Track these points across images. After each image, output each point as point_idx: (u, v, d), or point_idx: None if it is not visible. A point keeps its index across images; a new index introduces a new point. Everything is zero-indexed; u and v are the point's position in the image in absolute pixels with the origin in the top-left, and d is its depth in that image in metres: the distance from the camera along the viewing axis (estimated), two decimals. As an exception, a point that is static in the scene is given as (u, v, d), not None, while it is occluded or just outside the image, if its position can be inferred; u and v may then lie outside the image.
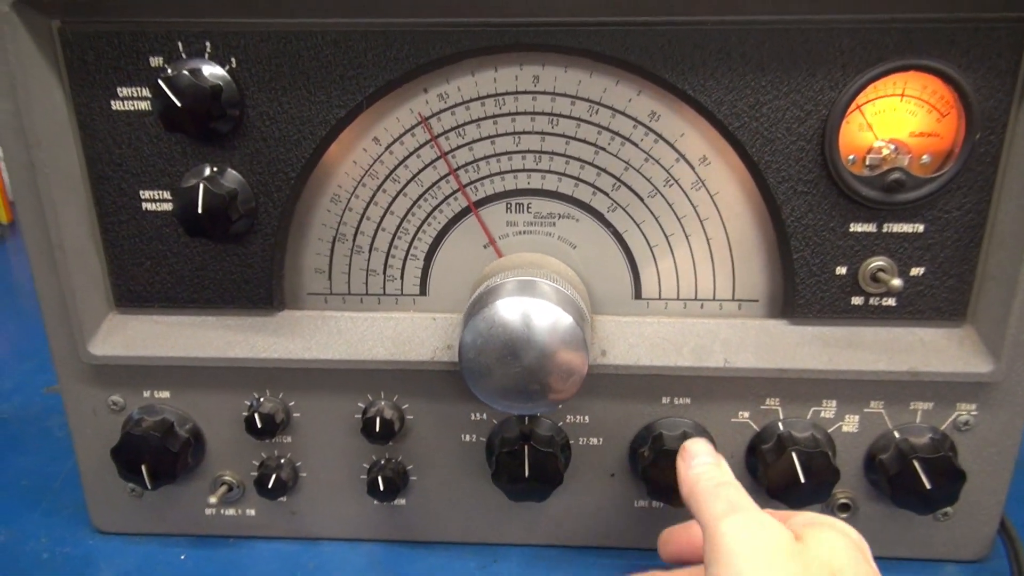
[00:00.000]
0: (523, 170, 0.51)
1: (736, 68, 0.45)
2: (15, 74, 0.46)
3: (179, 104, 0.45)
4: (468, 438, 0.55)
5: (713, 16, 0.45)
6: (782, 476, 0.50)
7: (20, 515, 0.61)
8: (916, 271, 0.49)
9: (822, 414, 0.52)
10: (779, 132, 0.47)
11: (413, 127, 0.50)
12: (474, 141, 0.50)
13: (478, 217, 0.52)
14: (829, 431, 0.52)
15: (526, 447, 0.51)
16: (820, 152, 0.47)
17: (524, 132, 0.50)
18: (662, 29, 0.45)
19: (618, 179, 0.51)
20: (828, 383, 0.51)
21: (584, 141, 0.50)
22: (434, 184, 0.52)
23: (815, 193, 0.48)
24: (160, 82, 0.45)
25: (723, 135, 0.48)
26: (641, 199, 0.51)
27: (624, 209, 0.51)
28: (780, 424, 0.52)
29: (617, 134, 0.50)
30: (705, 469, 0.43)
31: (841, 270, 0.49)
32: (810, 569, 0.35)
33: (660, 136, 0.49)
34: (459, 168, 0.51)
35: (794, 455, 0.50)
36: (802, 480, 0.50)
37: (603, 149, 0.50)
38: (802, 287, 0.50)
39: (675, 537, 0.50)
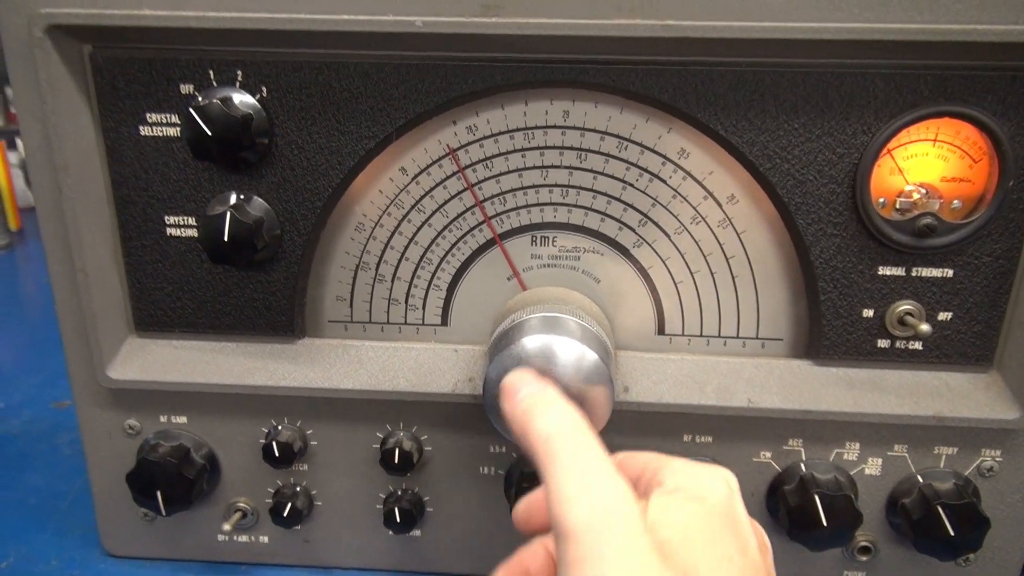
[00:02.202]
0: (550, 204, 0.51)
1: (769, 110, 0.45)
2: (45, 98, 0.46)
3: (209, 133, 0.45)
4: (486, 471, 0.55)
5: (747, 58, 0.45)
6: (804, 518, 0.50)
7: (30, 536, 0.60)
8: (944, 316, 0.49)
9: (845, 456, 0.52)
10: (810, 174, 0.46)
11: (441, 158, 0.50)
12: (501, 174, 0.50)
13: (503, 249, 0.52)
14: (851, 473, 0.52)
15: (546, 482, 0.51)
16: (851, 195, 0.47)
17: (552, 166, 0.50)
18: (696, 69, 0.45)
19: (645, 215, 0.51)
20: (852, 425, 0.51)
21: (612, 176, 0.50)
22: (459, 215, 0.51)
23: (844, 235, 0.47)
24: (191, 111, 0.45)
25: (753, 175, 0.48)
26: (667, 235, 0.51)
27: (650, 245, 0.51)
28: (802, 465, 0.52)
29: (645, 170, 0.49)
30: (534, 403, 0.35)
31: (868, 313, 0.49)
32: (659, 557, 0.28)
33: (688, 173, 0.49)
34: (485, 200, 0.51)
35: (817, 498, 0.49)
36: (824, 523, 0.49)
37: (631, 185, 0.50)
38: (828, 329, 0.50)
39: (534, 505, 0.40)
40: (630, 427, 0.52)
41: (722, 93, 0.45)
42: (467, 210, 0.51)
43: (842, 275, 0.48)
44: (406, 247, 0.52)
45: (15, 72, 0.46)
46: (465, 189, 0.51)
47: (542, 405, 0.35)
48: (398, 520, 0.54)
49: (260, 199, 0.49)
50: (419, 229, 0.52)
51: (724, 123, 0.46)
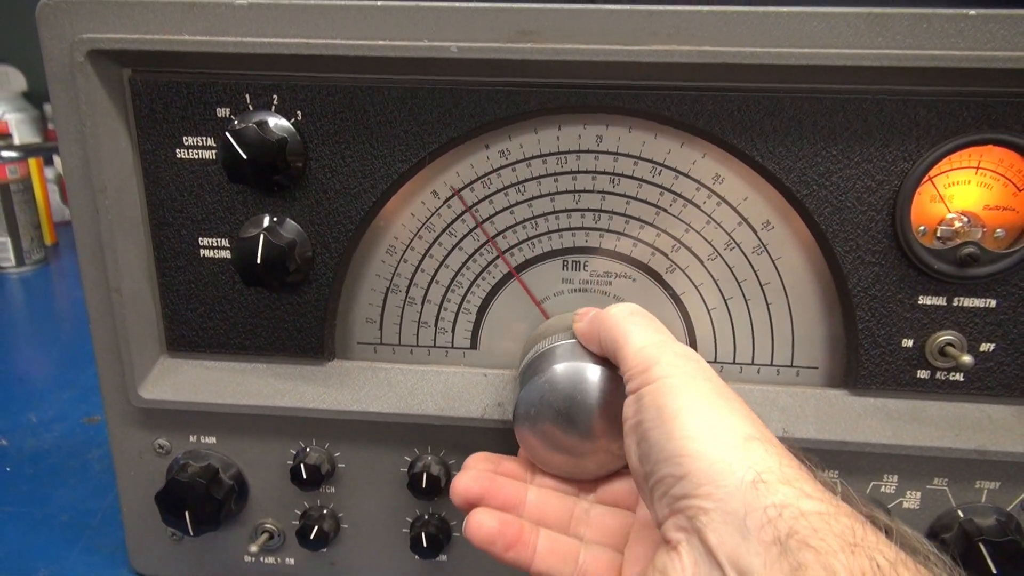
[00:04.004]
0: (581, 228, 0.51)
1: (807, 136, 0.45)
2: (85, 121, 0.46)
3: (245, 156, 0.45)
4: (514, 497, 0.54)
5: (785, 84, 0.44)
6: (841, 553, 0.48)
7: (60, 552, 0.60)
8: (986, 347, 0.48)
9: (882, 489, 0.50)
10: (849, 201, 0.46)
11: (472, 182, 0.50)
12: (534, 198, 0.50)
13: (520, 282, 0.52)
14: (889, 506, 0.51)
15: (575, 510, 0.50)
16: (890, 223, 0.46)
17: (584, 191, 0.50)
18: (732, 95, 0.45)
19: (678, 240, 0.50)
20: (890, 457, 0.49)
21: (645, 201, 0.49)
22: (490, 239, 0.51)
23: (884, 264, 0.46)
24: (227, 134, 0.45)
25: (789, 201, 0.47)
26: (701, 261, 0.50)
27: (683, 271, 0.51)
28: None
29: (679, 195, 0.49)
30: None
31: (908, 343, 0.48)
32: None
33: (723, 199, 0.49)
34: (518, 224, 0.51)
35: (854, 532, 0.48)
36: (862, 558, 0.48)
37: (664, 210, 0.49)
38: (866, 358, 0.49)
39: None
40: (661, 455, 0.51)
41: (759, 119, 0.45)
42: (498, 234, 0.51)
43: (881, 304, 0.47)
44: (436, 270, 0.52)
45: (56, 95, 0.47)
46: (496, 213, 0.51)
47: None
48: (425, 545, 0.54)
49: (293, 221, 0.49)
50: (450, 252, 0.52)
51: (761, 149, 0.45)
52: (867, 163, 0.45)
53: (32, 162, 1.35)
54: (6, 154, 1.28)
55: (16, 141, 1.66)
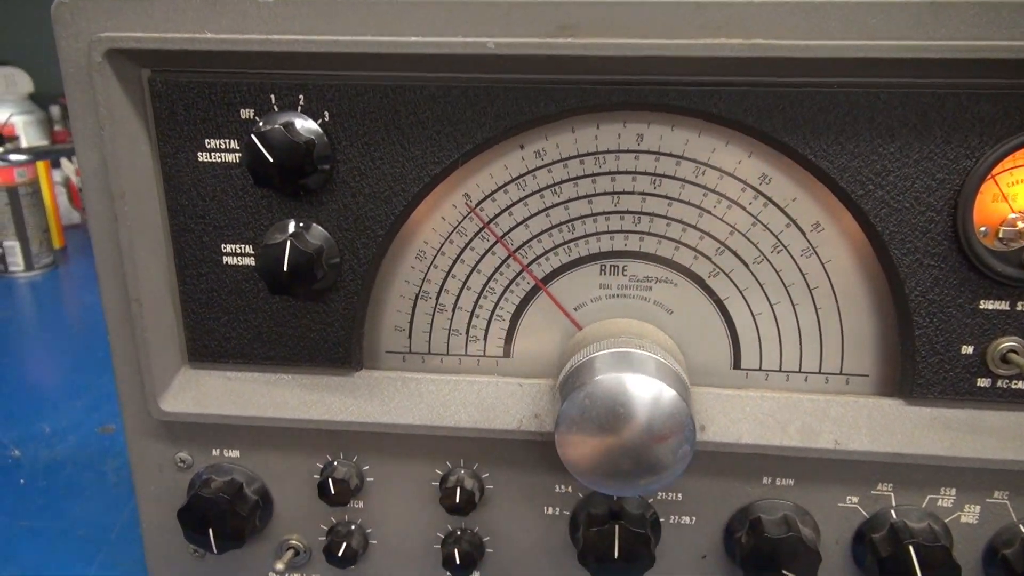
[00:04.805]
0: (620, 231, 0.48)
1: (863, 133, 0.42)
2: (103, 123, 0.44)
3: (271, 159, 0.43)
4: (551, 511, 0.52)
5: (840, 78, 0.42)
6: (896, 570, 0.46)
7: (78, 569, 0.59)
8: (1051, 353, 0.45)
9: (939, 502, 0.48)
10: (907, 201, 0.43)
11: (506, 184, 0.48)
12: (570, 200, 0.48)
13: (548, 294, 0.49)
14: (946, 521, 0.48)
15: (616, 526, 0.48)
16: (951, 224, 0.43)
17: (624, 192, 0.47)
18: (784, 91, 0.42)
19: (722, 243, 0.48)
20: (948, 470, 0.47)
21: (688, 203, 0.47)
22: (525, 243, 0.49)
23: (943, 267, 0.44)
24: (253, 136, 0.43)
25: (842, 202, 0.45)
26: (746, 265, 0.48)
27: (727, 275, 0.48)
28: (893, 512, 0.48)
29: (724, 196, 0.47)
30: None
31: (967, 349, 0.46)
32: None
33: (770, 200, 0.46)
34: (553, 227, 0.48)
35: (911, 548, 0.46)
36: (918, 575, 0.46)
37: (708, 212, 0.47)
38: (923, 366, 0.46)
39: None
40: (706, 468, 0.49)
41: (812, 116, 0.43)
42: (533, 238, 0.49)
43: (939, 309, 0.45)
44: (468, 276, 0.50)
45: (73, 97, 0.45)
46: (531, 216, 0.48)
47: None
48: (457, 562, 0.52)
49: (320, 227, 0.47)
50: (482, 257, 0.50)
51: (813, 147, 0.43)
52: (927, 161, 0.43)
53: (40, 165, 1.34)
54: (14, 157, 1.26)
55: (23, 143, 1.65)
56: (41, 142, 1.75)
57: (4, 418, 0.81)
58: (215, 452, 0.53)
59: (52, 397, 0.86)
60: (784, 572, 0.47)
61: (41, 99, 1.84)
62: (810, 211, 0.46)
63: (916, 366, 0.46)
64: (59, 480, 0.70)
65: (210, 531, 0.51)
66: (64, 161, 1.55)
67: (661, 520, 0.51)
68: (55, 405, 0.84)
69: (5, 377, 0.91)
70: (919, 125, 0.42)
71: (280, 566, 0.53)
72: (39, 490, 0.68)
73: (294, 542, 0.54)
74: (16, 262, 1.30)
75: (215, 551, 0.51)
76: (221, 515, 0.50)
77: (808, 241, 0.47)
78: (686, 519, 0.51)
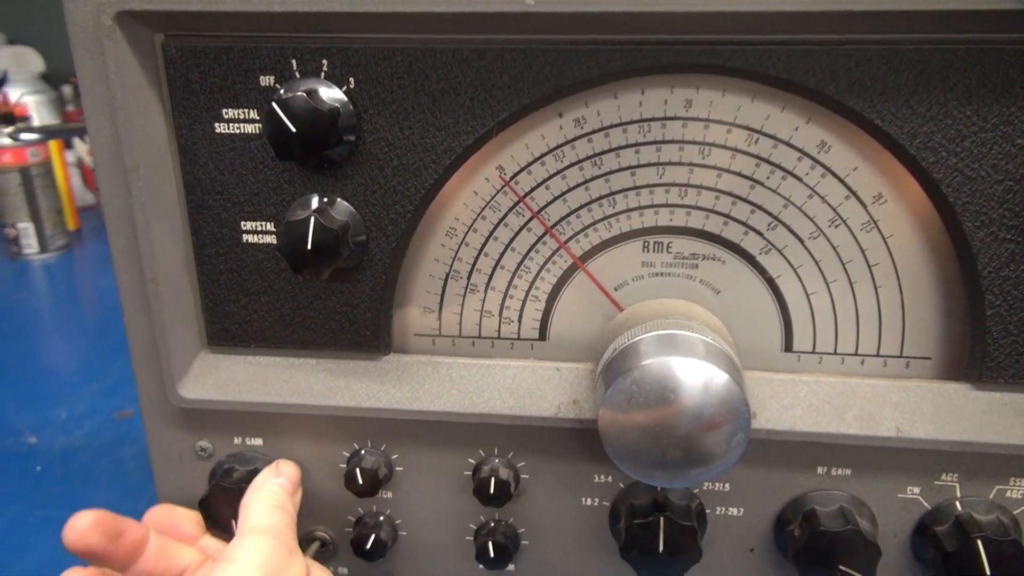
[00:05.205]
0: (665, 205, 0.45)
1: (936, 95, 0.39)
2: (115, 93, 0.41)
3: (293, 129, 0.40)
4: (590, 502, 0.49)
5: (912, 35, 0.38)
6: (962, 565, 0.43)
7: (96, 561, 0.56)
8: None
9: (1008, 494, 0.45)
10: (983, 169, 0.40)
11: (543, 155, 0.45)
12: (611, 172, 0.45)
13: (587, 273, 0.46)
14: (1015, 513, 0.45)
15: (661, 518, 0.45)
16: (1031, 194, 0.40)
17: (670, 163, 0.44)
18: (849, 49, 0.39)
19: (775, 218, 0.44)
20: (1019, 459, 0.44)
21: (739, 174, 0.44)
22: (563, 218, 0.46)
23: (1021, 241, 0.41)
24: (274, 105, 0.40)
25: (910, 170, 0.41)
26: (801, 240, 0.45)
27: (780, 251, 0.45)
28: (958, 503, 0.45)
29: (778, 167, 0.43)
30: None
31: (1044, 330, 0.42)
32: None
33: (829, 170, 0.43)
34: (593, 201, 0.45)
35: (979, 543, 0.43)
36: (987, 571, 0.43)
37: (760, 183, 0.44)
38: (994, 348, 0.43)
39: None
40: (756, 457, 0.46)
41: (880, 76, 0.39)
42: (571, 213, 0.46)
43: (1014, 287, 0.42)
44: (502, 254, 0.47)
45: (82, 65, 0.42)
46: (569, 190, 0.45)
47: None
48: (491, 555, 0.49)
49: (345, 202, 0.44)
50: (517, 234, 0.47)
51: (881, 111, 0.40)
52: (1006, 125, 0.39)
53: (52, 144, 1.31)
54: (25, 136, 1.24)
55: (35, 123, 1.62)
56: (53, 122, 1.73)
57: (20, 404, 0.79)
58: (237, 440, 0.50)
59: (68, 382, 0.84)
60: (841, 568, 0.44)
61: (53, 79, 1.81)
62: (872, 182, 0.43)
63: (986, 348, 0.43)
64: (76, 467, 0.68)
65: (233, 522, 0.48)
66: (77, 141, 1.53)
67: (707, 511, 0.48)
68: (71, 390, 0.82)
69: (20, 362, 0.90)
70: (999, 85, 0.38)
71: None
72: (56, 477, 0.66)
73: (320, 534, 0.52)
74: (30, 244, 1.28)
75: (238, 543, 0.49)
76: (244, 506, 0.48)
77: (869, 214, 0.44)
78: (734, 511, 0.48)
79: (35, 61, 1.79)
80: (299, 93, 0.40)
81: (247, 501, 0.45)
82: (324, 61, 0.42)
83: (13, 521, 0.61)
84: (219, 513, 0.49)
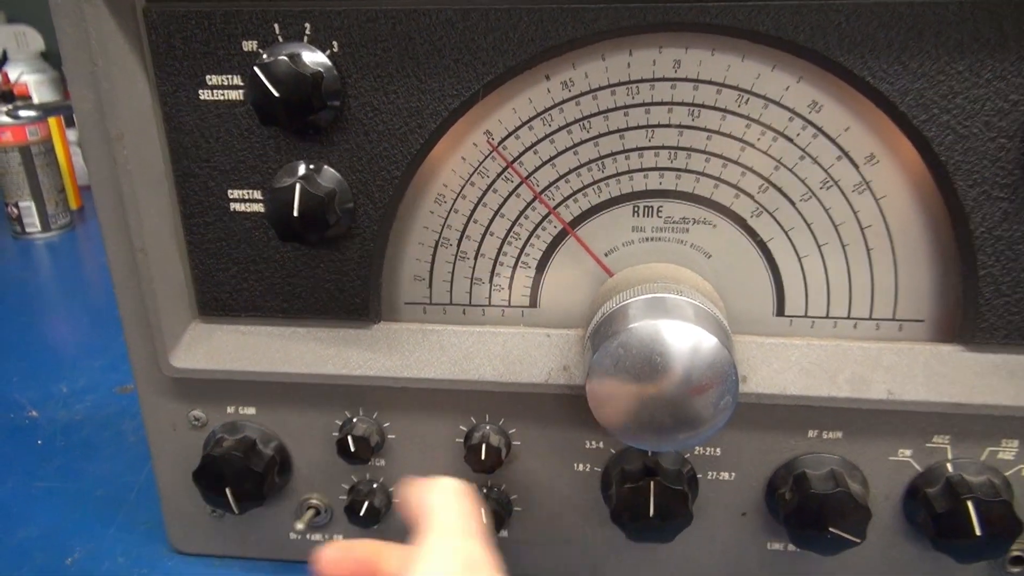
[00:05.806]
0: (655, 168, 0.45)
1: (928, 51, 0.38)
2: (96, 60, 0.41)
3: (276, 94, 0.40)
4: (581, 468, 0.49)
5: (903, -12, 0.38)
6: (953, 526, 0.43)
7: (96, 530, 0.57)
8: None
9: (999, 455, 0.45)
10: (975, 127, 0.39)
11: (531, 119, 0.44)
12: (600, 135, 0.44)
13: (577, 238, 0.46)
14: (1007, 474, 0.45)
15: (652, 483, 0.45)
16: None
17: (659, 125, 0.44)
18: (841, 5, 0.38)
19: (766, 180, 0.44)
20: (1011, 420, 0.44)
21: (729, 136, 0.43)
22: (552, 183, 0.45)
23: (1014, 200, 0.40)
24: (256, 69, 0.40)
25: (902, 129, 0.41)
26: (792, 203, 0.44)
27: (771, 214, 0.45)
28: (949, 465, 0.45)
29: (769, 127, 0.43)
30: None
31: (1037, 290, 0.42)
32: None
33: (820, 130, 0.42)
34: (582, 166, 0.45)
35: (970, 504, 0.43)
36: (978, 532, 0.43)
37: (751, 145, 0.43)
38: (986, 309, 0.43)
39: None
40: (747, 422, 0.46)
41: (871, 32, 0.38)
42: (560, 178, 0.45)
43: (1007, 247, 0.41)
44: (491, 220, 0.47)
45: (63, 33, 0.42)
46: (558, 154, 0.45)
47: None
48: (484, 521, 0.49)
49: (331, 169, 0.44)
50: (505, 200, 0.46)
51: (872, 68, 0.39)
52: (999, 80, 0.38)
53: (52, 122, 1.31)
54: (24, 113, 1.23)
55: (35, 102, 1.62)
56: (54, 99, 1.72)
57: (22, 379, 0.80)
58: (230, 410, 0.51)
59: (70, 357, 0.85)
60: (831, 530, 0.44)
61: (53, 57, 1.80)
62: (864, 142, 0.42)
63: (978, 309, 0.43)
64: (76, 440, 0.68)
65: (227, 491, 0.49)
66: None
67: (699, 476, 0.48)
68: (72, 365, 0.83)
69: (23, 338, 0.90)
70: (993, 39, 0.38)
71: (300, 526, 0.51)
72: (57, 450, 0.67)
73: (314, 501, 0.52)
74: (32, 223, 1.28)
75: (236, 511, 0.49)
76: (236, 473, 0.48)
77: (861, 175, 0.43)
78: (725, 475, 0.48)
79: (35, 40, 1.79)
80: (281, 57, 0.40)
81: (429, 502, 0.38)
82: (307, 25, 0.41)
83: (14, 491, 0.62)
84: (213, 484, 0.49)
